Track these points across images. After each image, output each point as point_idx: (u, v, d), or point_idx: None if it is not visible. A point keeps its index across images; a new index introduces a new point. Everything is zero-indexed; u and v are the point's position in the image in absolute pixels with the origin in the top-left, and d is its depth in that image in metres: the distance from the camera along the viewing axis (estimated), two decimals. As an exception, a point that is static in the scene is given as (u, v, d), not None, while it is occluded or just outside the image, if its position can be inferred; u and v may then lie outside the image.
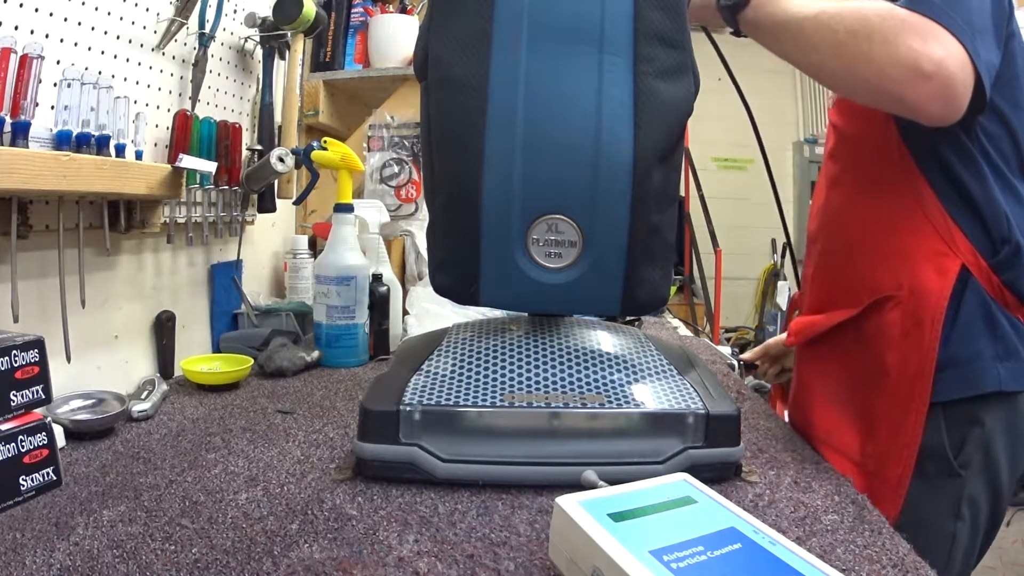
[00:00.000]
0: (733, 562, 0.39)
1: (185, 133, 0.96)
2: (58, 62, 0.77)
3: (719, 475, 0.62)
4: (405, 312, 1.20)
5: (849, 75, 0.64)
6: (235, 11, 1.13)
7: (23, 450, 0.56)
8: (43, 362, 0.59)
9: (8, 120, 0.67)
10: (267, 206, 1.18)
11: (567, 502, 0.45)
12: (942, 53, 0.58)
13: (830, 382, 0.79)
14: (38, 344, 0.58)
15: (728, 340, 4.19)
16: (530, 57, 0.61)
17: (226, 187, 1.05)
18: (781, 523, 0.55)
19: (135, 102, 0.90)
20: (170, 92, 0.99)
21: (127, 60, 0.89)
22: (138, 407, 0.79)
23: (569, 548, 0.43)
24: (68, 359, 0.77)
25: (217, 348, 1.11)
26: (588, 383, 0.63)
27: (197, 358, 0.99)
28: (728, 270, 3.84)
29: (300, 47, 1.21)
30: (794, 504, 0.58)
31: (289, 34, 1.16)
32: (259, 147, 1.16)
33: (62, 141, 0.73)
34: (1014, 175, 0.69)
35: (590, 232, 0.63)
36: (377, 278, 1.11)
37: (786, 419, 0.89)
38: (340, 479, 0.62)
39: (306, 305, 1.21)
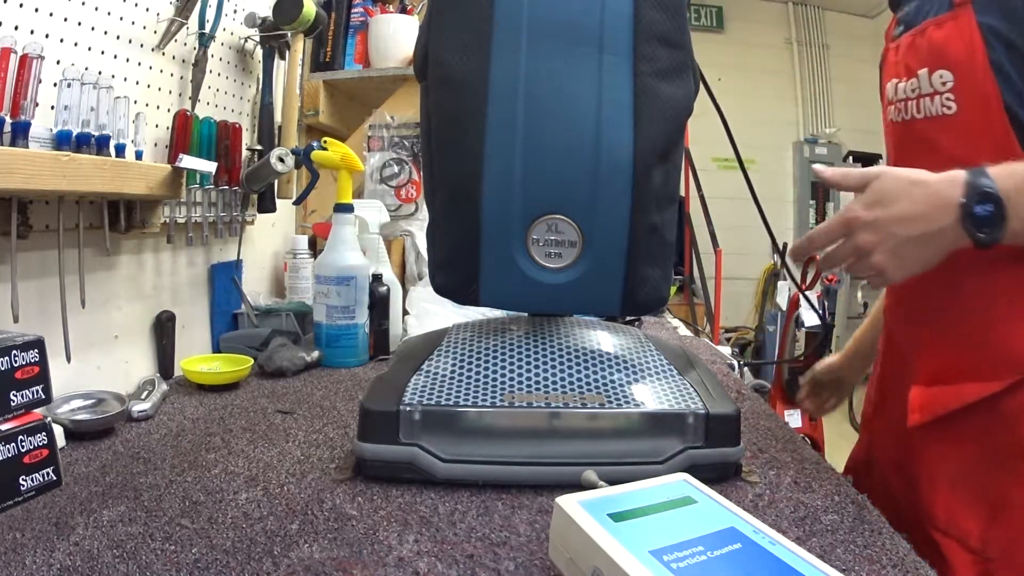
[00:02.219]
0: (733, 562, 0.39)
1: (185, 133, 0.96)
2: (58, 62, 0.77)
3: (719, 475, 0.62)
4: (405, 312, 1.20)
5: None
6: (235, 11, 1.13)
7: (23, 450, 0.56)
8: (43, 362, 0.59)
9: (8, 120, 0.67)
10: (267, 206, 1.18)
11: (567, 502, 0.45)
12: None
13: (952, 463, 0.70)
14: (38, 344, 0.58)
15: (728, 340, 4.19)
16: (530, 57, 0.61)
17: (226, 187, 1.05)
18: (781, 523, 0.55)
19: (135, 102, 0.90)
20: (170, 92, 0.99)
21: (127, 60, 0.89)
22: (138, 407, 0.79)
23: (569, 548, 0.43)
24: (68, 359, 0.77)
25: (217, 348, 1.11)
26: (588, 383, 0.63)
27: (197, 358, 0.99)
28: (728, 270, 3.84)
29: (300, 47, 1.21)
30: (794, 504, 0.58)
31: (289, 34, 1.16)
32: (259, 147, 1.16)
33: (62, 141, 0.73)
34: None
35: (590, 232, 0.63)
36: (377, 278, 1.11)
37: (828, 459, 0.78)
38: (340, 479, 0.62)
39: (306, 305, 1.21)
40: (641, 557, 0.38)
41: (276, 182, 1.16)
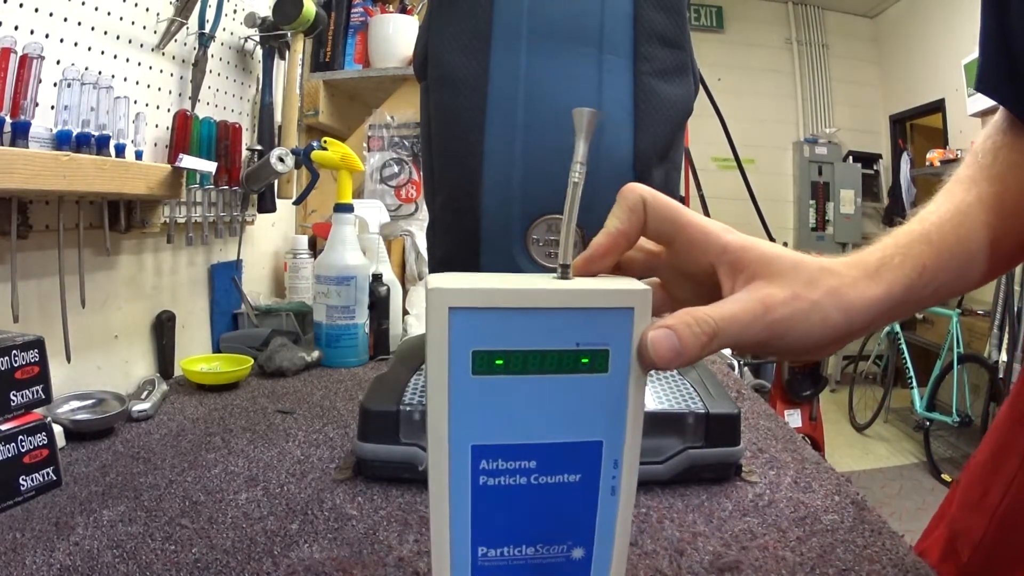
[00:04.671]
0: (547, 498, 0.31)
1: (185, 133, 0.96)
2: (58, 62, 0.77)
3: (719, 475, 0.62)
4: (405, 312, 1.20)
5: None
6: (235, 11, 1.13)
7: (23, 450, 0.56)
8: (43, 362, 0.59)
9: (8, 120, 0.67)
10: (267, 206, 1.18)
11: (439, 302, 0.29)
12: None
13: None
14: (38, 344, 0.58)
15: (728, 340, 4.19)
16: (530, 57, 0.61)
17: (226, 187, 1.05)
18: (781, 523, 0.55)
19: (135, 102, 0.90)
20: (170, 92, 0.99)
21: (127, 60, 0.89)
22: (138, 407, 0.79)
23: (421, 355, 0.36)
24: (68, 359, 0.77)
25: (217, 348, 1.11)
26: (588, 383, 0.63)
27: (197, 358, 0.99)
28: (728, 270, 3.83)
29: (300, 47, 1.21)
30: (794, 504, 0.58)
31: (289, 34, 1.16)
32: (259, 147, 1.16)
33: (62, 141, 0.73)
34: None
35: (590, 232, 0.62)
36: (377, 278, 1.11)
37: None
38: (340, 479, 0.62)
39: (306, 305, 1.21)
40: (456, 456, 0.30)
41: (276, 182, 1.16)
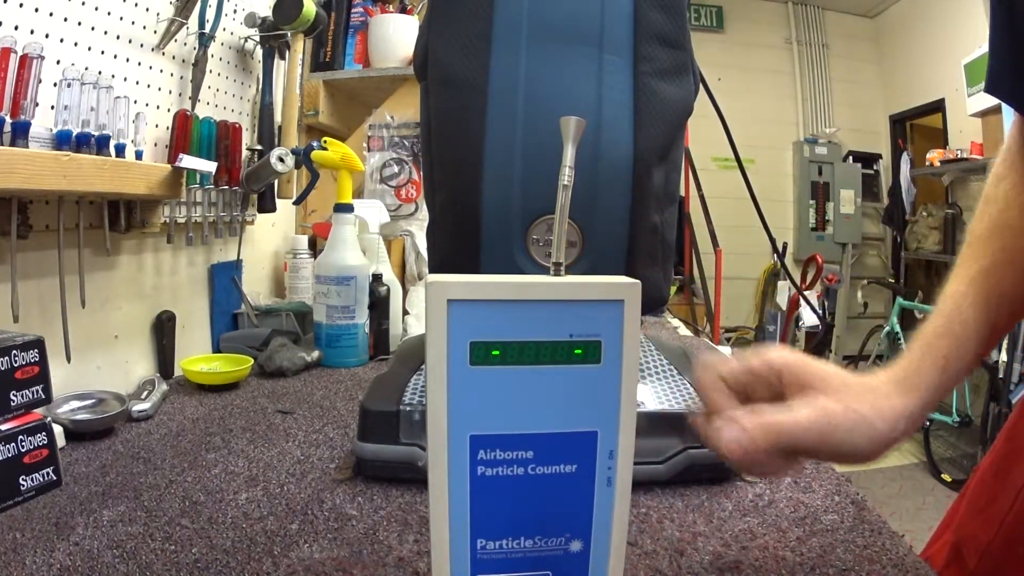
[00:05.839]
0: (544, 489, 0.32)
1: (185, 133, 0.96)
2: (58, 62, 0.77)
3: (719, 475, 0.62)
4: (405, 312, 1.20)
5: None
6: (235, 11, 1.13)
7: (23, 450, 0.56)
8: (43, 362, 0.59)
9: (8, 120, 0.67)
10: (267, 206, 1.18)
11: (438, 294, 0.30)
12: None
13: None
14: (38, 344, 0.58)
15: (728, 340, 4.20)
16: (530, 57, 0.61)
17: (226, 187, 1.05)
18: (781, 523, 0.55)
19: (135, 102, 0.89)
20: (170, 92, 0.99)
21: (127, 60, 0.89)
22: (138, 407, 0.79)
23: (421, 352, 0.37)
24: (68, 359, 0.77)
25: (217, 348, 1.11)
26: (588, 383, 0.63)
27: (197, 358, 0.99)
28: (728, 270, 3.84)
29: (300, 47, 1.21)
30: (794, 504, 0.58)
31: (289, 34, 1.16)
32: (259, 147, 1.16)
33: (62, 141, 0.73)
34: None
35: (590, 232, 0.63)
36: (377, 278, 1.11)
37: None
38: (340, 479, 0.62)
39: (306, 305, 1.21)
40: (455, 447, 0.30)
41: (276, 182, 1.16)
